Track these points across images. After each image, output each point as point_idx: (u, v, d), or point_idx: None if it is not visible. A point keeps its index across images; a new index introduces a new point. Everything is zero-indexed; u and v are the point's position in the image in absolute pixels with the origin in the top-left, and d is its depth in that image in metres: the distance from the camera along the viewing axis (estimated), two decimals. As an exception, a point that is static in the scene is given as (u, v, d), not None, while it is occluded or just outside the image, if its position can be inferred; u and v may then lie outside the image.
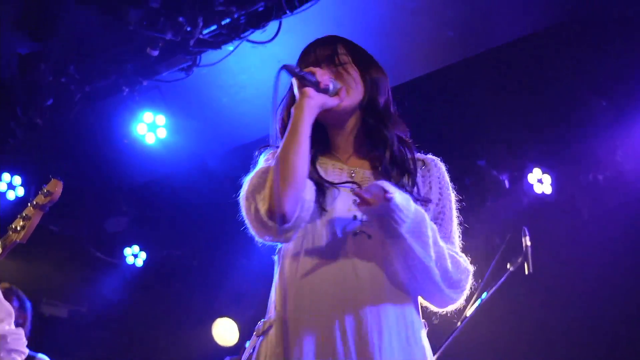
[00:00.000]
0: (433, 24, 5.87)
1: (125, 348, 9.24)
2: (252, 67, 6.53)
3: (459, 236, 2.84)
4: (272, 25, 5.96)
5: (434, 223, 2.69)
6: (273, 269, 2.79)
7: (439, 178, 2.82)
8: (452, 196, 2.83)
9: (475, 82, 6.62)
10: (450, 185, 2.84)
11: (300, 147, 2.59)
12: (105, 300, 9.12)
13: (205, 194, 7.76)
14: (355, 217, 2.68)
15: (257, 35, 6.03)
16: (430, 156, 2.89)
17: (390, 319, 2.57)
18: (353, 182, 2.74)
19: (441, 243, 2.64)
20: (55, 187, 3.92)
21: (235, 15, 5.86)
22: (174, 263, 9.23)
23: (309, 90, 2.65)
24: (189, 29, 5.86)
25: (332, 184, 2.73)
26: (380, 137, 2.79)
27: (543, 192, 7.31)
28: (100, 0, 5.71)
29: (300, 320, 2.57)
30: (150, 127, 6.77)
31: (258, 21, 5.92)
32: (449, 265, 2.64)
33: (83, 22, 6.01)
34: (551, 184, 7.32)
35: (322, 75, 2.69)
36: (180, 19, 5.80)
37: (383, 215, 2.53)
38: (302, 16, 5.87)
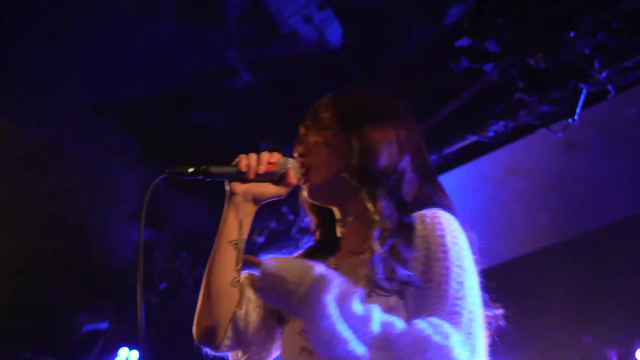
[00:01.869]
0: (526, 211, 6.01)
1: None
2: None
3: (474, 294, 1.99)
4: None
5: (423, 291, 1.96)
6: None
7: (425, 237, 2.03)
8: (452, 253, 1.99)
9: (576, 261, 6.66)
10: (448, 239, 2.02)
11: (216, 259, 2.19)
12: None
13: None
14: (302, 331, 2.09)
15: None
16: (421, 212, 2.09)
17: None
18: None
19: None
20: None
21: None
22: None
23: (234, 186, 2.21)
24: (291, 217, 6.20)
25: None
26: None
27: (653, 369, 7.13)
28: (209, 194, 6.14)
29: None
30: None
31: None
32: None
33: (194, 213, 6.47)
34: (662, 361, 7.14)
35: (251, 163, 2.18)
36: (284, 209, 6.16)
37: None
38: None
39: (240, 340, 2.23)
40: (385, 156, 2.16)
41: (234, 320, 2.21)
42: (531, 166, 5.58)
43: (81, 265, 7.06)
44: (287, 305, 1.90)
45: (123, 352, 7.60)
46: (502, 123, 5.17)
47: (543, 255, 6.57)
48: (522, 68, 4.81)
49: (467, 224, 2.15)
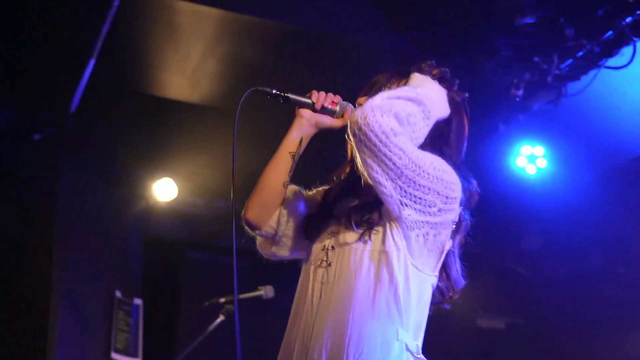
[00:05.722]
0: None
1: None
2: (620, 88, 6.64)
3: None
4: (629, 49, 6.06)
5: None
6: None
7: None
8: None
9: None
10: None
11: (275, 161, 2.84)
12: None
13: (593, 214, 7.84)
14: (324, 247, 2.79)
15: (615, 59, 6.16)
16: None
17: (326, 337, 2.58)
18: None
19: None
20: None
21: (588, 47, 6.08)
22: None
23: (302, 111, 2.83)
24: (545, 66, 6.23)
25: (320, 214, 2.89)
26: None
27: None
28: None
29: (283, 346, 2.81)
30: (529, 159, 7.15)
31: (611, 49, 6.07)
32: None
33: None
34: None
35: (319, 97, 2.82)
36: (536, 58, 6.20)
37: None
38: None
39: (276, 232, 2.89)
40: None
41: (277, 214, 2.87)
42: None
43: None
44: None
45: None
46: None
47: None
48: None
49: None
